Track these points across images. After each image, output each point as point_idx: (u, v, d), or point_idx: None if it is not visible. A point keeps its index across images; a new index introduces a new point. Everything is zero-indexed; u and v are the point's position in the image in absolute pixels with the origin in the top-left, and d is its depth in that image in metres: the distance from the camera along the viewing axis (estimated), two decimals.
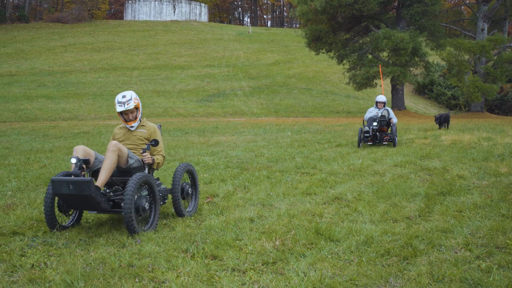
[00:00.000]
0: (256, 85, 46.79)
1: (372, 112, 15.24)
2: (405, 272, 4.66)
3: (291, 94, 44.16)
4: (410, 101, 47.77)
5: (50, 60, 54.55)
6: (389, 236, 5.70)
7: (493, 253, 5.09)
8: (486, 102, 44.18)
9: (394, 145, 14.34)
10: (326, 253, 5.20)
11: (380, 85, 41.20)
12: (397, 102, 36.18)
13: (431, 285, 4.35)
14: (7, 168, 10.55)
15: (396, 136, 14.76)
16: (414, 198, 7.52)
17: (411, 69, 35.19)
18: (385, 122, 14.80)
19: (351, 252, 5.25)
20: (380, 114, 15.00)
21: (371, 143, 14.80)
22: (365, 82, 34.26)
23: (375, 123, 14.53)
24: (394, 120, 15.03)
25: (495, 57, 33.31)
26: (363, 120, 15.18)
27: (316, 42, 35.53)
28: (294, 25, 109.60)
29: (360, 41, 37.03)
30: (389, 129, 15.30)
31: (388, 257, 5.08)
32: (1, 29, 71.82)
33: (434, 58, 43.88)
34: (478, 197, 7.39)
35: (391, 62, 33.35)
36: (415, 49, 32.15)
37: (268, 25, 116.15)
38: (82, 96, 39.65)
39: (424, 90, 52.26)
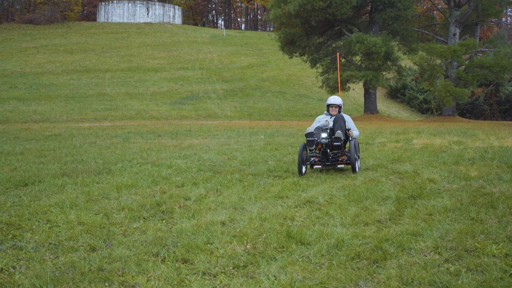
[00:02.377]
0: (229, 88, 46.78)
1: (321, 120, 11.17)
2: (375, 275, 4.70)
3: (265, 97, 44.24)
4: (383, 105, 48.16)
5: (22, 61, 53.95)
6: (359, 240, 5.74)
7: (462, 256, 5.15)
8: (458, 106, 44.69)
9: (354, 170, 10.23)
10: (297, 257, 5.22)
11: (353, 89, 41.48)
12: (369, 106, 36.41)
13: None
14: None
15: (358, 156, 10.79)
16: (385, 202, 7.58)
17: (384, 73, 35.42)
18: (340, 134, 10.30)
19: (322, 255, 5.27)
20: (331, 124, 10.88)
21: (319, 166, 10.57)
22: (338, 86, 34.40)
23: (324, 135, 10.28)
24: (355, 132, 10.98)
25: (467, 61, 33.69)
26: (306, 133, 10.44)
27: (289, 45, 35.60)
28: (268, 28, 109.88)
29: (334, 45, 37.18)
30: (348, 146, 11.12)
31: (358, 260, 5.11)
32: None
33: (406, 62, 44.28)
34: (448, 201, 7.47)
35: (363, 66, 33.56)
36: (388, 53, 32.38)
37: (242, 28, 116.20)
38: (54, 98, 39.28)
39: (396, 94, 52.73)
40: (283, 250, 5.45)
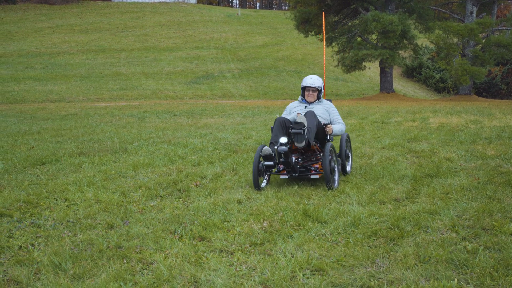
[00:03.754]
0: (245, 68, 46.68)
1: (293, 111, 8.38)
2: (391, 253, 4.69)
3: (280, 77, 44.10)
4: (399, 84, 47.85)
5: (38, 41, 54.13)
6: (376, 218, 5.73)
7: (479, 234, 5.12)
8: (474, 85, 44.29)
9: (328, 185, 7.07)
10: (314, 235, 5.23)
11: (369, 68, 41.17)
12: (385, 85, 36.21)
13: (417, 266, 4.38)
14: None
15: (348, 156, 8.37)
16: (401, 180, 7.55)
17: (400, 52, 35.13)
18: (303, 119, 7.26)
19: (338, 233, 5.27)
20: (305, 112, 7.67)
21: (286, 176, 7.54)
22: (354, 65, 34.21)
23: (283, 140, 7.13)
24: (337, 127, 8.08)
25: (484, 40, 33.28)
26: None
27: (305, 24, 35.41)
28: (283, 7, 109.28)
29: (349, 24, 36.91)
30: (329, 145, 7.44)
31: (375, 238, 5.11)
32: None
33: (422, 41, 43.87)
34: (465, 179, 7.42)
35: (380, 44, 33.31)
36: (404, 32, 32.10)
37: (257, 7, 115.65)
38: (69, 78, 39.42)
39: (412, 73, 52.31)
40: (300, 228, 5.46)
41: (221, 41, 57.21)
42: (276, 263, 4.48)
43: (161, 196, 6.87)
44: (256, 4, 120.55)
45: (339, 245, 4.94)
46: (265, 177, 7.66)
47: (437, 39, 32.59)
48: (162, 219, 5.78)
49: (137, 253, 4.77)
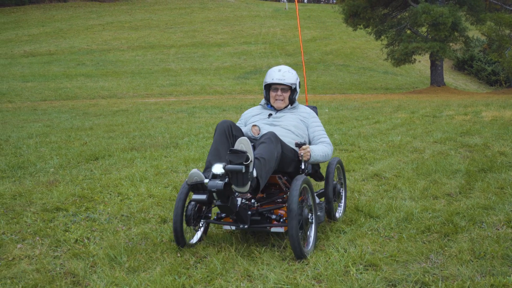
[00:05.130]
0: (293, 62, 46.57)
1: (250, 120, 5.67)
2: (446, 248, 4.63)
3: (328, 71, 43.89)
4: (450, 77, 47.06)
5: (89, 38, 55.08)
6: (429, 213, 5.67)
7: None
8: None
9: (295, 249, 4.43)
10: (366, 230, 5.20)
11: (419, 61, 40.51)
12: (436, 78, 35.69)
13: (472, 261, 4.32)
14: (48, 146, 10.72)
15: (341, 200, 5.91)
16: (454, 175, 7.44)
17: (451, 44, 34.57)
18: (269, 166, 4.59)
19: (391, 228, 5.24)
20: (266, 123, 5.49)
21: (231, 226, 4.91)
22: (403, 58, 33.86)
23: (217, 168, 4.38)
24: (319, 149, 5.30)
25: None
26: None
27: (353, 17, 35.17)
28: (331, 0, 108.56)
29: (399, 16, 36.52)
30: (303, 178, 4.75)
31: (428, 233, 5.06)
32: (40, 8, 72.77)
33: (474, 33, 43.01)
34: None
35: (430, 37, 32.84)
36: (455, 24, 31.58)
37: (305, 1, 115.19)
38: (120, 75, 39.99)
39: (463, 66, 51.37)
40: (352, 223, 5.44)
41: (269, 36, 57.21)
42: (329, 258, 4.47)
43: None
44: None
45: (392, 240, 4.90)
46: (200, 226, 5.06)
47: (489, 31, 32.01)
48: (214, 213, 5.83)
49: (191, 247, 4.83)
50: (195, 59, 47.27)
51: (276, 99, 5.55)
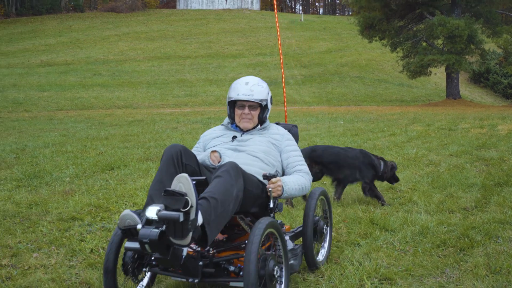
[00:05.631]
0: (308, 74, 46.62)
1: (212, 143, 4.67)
2: (461, 263, 4.61)
3: (344, 83, 43.85)
4: (465, 89, 46.84)
5: (105, 49, 55.46)
6: (445, 227, 5.64)
7: None
8: None
9: None
10: (381, 243, 5.18)
11: (435, 73, 40.33)
12: (452, 91, 35.55)
13: (488, 276, 4.29)
14: (64, 155, 10.79)
15: (325, 241, 4.87)
16: (470, 189, 7.40)
17: (467, 57, 34.45)
18: (227, 209, 3.57)
19: (406, 242, 5.21)
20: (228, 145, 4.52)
21: (178, 278, 3.94)
22: (419, 70, 33.78)
23: (151, 212, 3.25)
24: (293, 180, 4.26)
25: None
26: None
27: (369, 29, 35.16)
28: (347, 12, 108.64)
29: (414, 29, 36.44)
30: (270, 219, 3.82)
31: (444, 248, 5.03)
32: (57, 18, 73.41)
33: (490, 45, 42.80)
34: None
35: (446, 49, 32.76)
36: (471, 37, 31.48)
37: (320, 13, 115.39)
38: (136, 85, 40.19)
39: (479, 78, 51.11)
40: (367, 236, 5.43)
41: (284, 47, 57.29)
42: (344, 271, 4.46)
43: None
44: (319, 10, 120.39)
45: (407, 254, 4.88)
46: (144, 275, 4.05)
47: (505, 43, 31.90)
48: None
49: None
50: (211, 70, 47.42)
51: (242, 118, 4.59)
